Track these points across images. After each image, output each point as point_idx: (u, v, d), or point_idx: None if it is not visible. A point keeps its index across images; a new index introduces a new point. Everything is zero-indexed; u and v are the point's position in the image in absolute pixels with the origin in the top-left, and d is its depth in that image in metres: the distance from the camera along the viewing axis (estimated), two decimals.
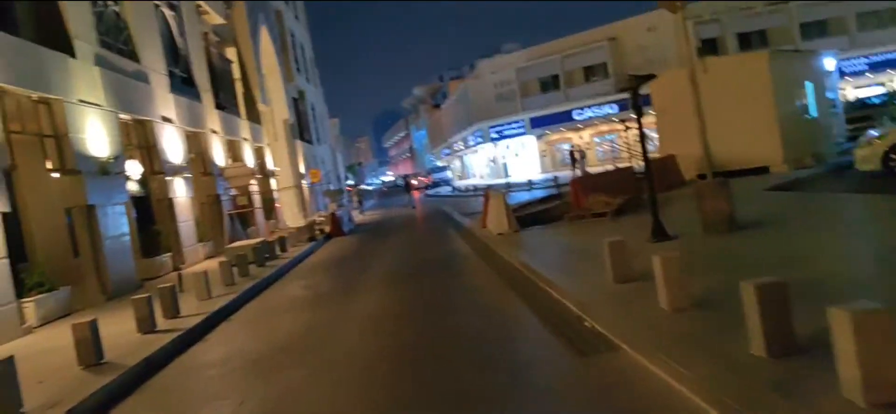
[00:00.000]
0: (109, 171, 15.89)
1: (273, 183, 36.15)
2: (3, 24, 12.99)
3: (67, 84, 15.02)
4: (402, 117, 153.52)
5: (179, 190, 21.20)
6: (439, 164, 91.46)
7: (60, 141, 14.65)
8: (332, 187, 57.42)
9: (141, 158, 19.72)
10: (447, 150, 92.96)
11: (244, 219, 28.39)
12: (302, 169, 46.20)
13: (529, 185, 41.87)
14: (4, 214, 11.75)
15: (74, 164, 14.73)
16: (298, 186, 40.58)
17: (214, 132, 26.53)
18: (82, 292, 14.88)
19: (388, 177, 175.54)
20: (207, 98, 26.55)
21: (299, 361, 8.16)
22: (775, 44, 49.94)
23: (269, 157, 37.06)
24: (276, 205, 36.47)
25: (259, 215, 31.58)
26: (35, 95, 14.03)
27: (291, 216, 38.79)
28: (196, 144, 24.88)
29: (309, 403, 6.61)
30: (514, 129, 60.86)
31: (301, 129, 51.80)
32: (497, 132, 62.28)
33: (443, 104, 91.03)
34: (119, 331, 10.56)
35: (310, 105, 58.67)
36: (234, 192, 28.07)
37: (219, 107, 28.05)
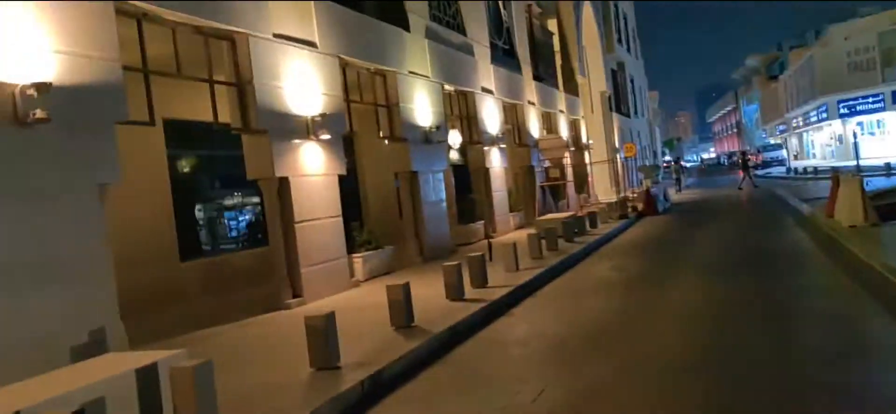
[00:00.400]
0: (432, 139, 16.72)
1: (586, 156, 35.73)
2: (349, 1, 14.20)
3: (401, 56, 16.06)
4: (729, 91, 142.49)
5: (495, 160, 21.77)
6: (772, 141, 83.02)
7: (391, 111, 15.75)
8: (647, 163, 55.41)
9: (461, 128, 20.57)
10: (782, 127, 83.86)
11: (556, 191, 28.43)
12: (617, 142, 45.14)
13: (888, 169, 35.64)
14: (341, 177, 12.86)
15: (402, 132, 15.74)
16: (612, 160, 39.65)
17: (531, 104, 26.82)
18: (402, 252, 15.93)
19: (710, 154, 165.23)
20: (526, 70, 26.90)
21: (607, 352, 7.45)
22: None
23: (584, 130, 36.68)
24: (589, 179, 36.04)
25: (570, 189, 31.43)
26: (373, 67, 15.20)
27: (603, 191, 38.08)
28: (513, 115, 25.37)
29: (618, 404, 5.87)
30: (869, 103, 52.38)
31: (618, 101, 50.62)
32: (847, 107, 54.17)
33: (780, 76, 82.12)
34: (429, 295, 10.88)
35: (628, 77, 57.07)
36: (547, 164, 28.22)
37: (537, 78, 28.30)
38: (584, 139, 36.26)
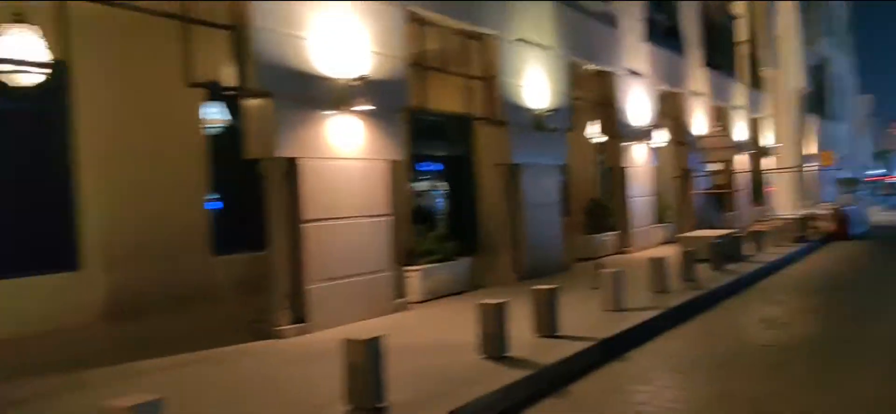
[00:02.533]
0: (545, 126, 13.25)
1: (767, 162, 30.09)
2: None
3: (506, 17, 12.73)
4: None
5: (638, 157, 17.77)
6: None
7: (490, 85, 12.49)
8: (849, 175, 47.32)
9: (596, 115, 16.86)
10: None
11: (721, 201, 23.62)
12: (812, 149, 38.40)
13: None
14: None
15: (502, 113, 12.44)
16: (800, 169, 33.42)
17: (697, 94, 22.24)
18: (490, 266, 12.70)
19: None
20: (694, 54, 22.33)
21: None
22: None
23: (768, 131, 30.95)
24: (768, 189, 30.37)
25: (743, 199, 26.27)
26: (461, 27, 12.04)
27: (786, 204, 32.09)
28: (671, 106, 21.02)
29: None
30: None
31: (818, 102, 43.33)
32: None
33: None
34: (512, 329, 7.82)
35: (833, 76, 49.05)
36: (712, 167, 23.48)
37: (709, 65, 23.57)
38: (768, 142, 30.56)
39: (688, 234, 15.90)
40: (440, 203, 17.59)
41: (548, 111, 13.30)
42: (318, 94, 8.68)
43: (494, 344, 6.77)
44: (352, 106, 8.94)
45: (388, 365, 5.48)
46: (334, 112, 8.89)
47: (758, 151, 29.62)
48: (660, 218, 19.18)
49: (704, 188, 21.84)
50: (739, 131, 26.30)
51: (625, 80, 17.36)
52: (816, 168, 37.15)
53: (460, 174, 16.88)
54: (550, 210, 13.85)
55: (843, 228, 20.62)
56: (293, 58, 8.40)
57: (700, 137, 19.96)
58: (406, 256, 10.75)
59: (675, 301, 9.92)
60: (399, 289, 10.20)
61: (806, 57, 39.64)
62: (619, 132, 16.93)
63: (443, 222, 13.40)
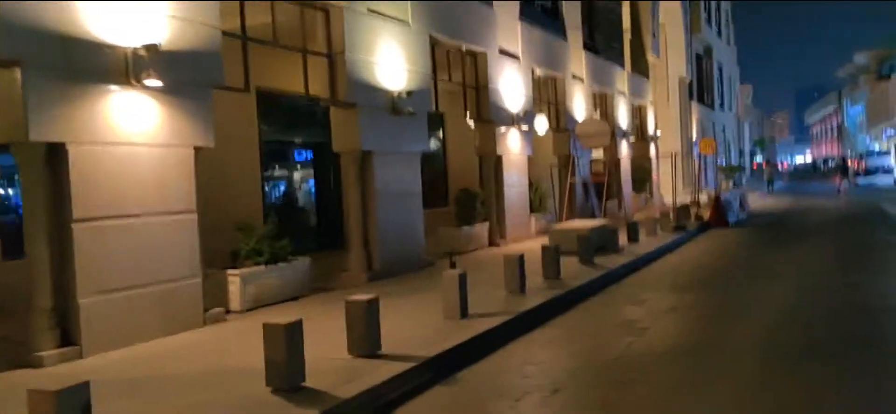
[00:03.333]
0: (401, 109, 12.00)
1: (652, 149, 30.14)
2: None
3: None
4: (832, 90, 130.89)
5: (512, 145, 16.82)
6: (877, 147, 73.85)
7: (334, 61, 11.10)
8: (732, 163, 48.82)
9: (467, 99, 15.78)
10: (891, 131, 74.64)
11: (603, 190, 23.19)
12: (694, 136, 39.10)
13: None
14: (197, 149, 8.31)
15: (349, 93, 11.08)
16: (684, 156, 33.78)
17: (577, 78, 21.63)
18: (339, 266, 11.40)
19: (805, 158, 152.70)
20: (575, 37, 21.69)
21: None
22: None
23: (651, 118, 31.02)
24: (654, 176, 30.44)
25: (626, 187, 26.05)
26: None
27: (672, 191, 32.37)
28: (549, 91, 20.31)
29: None
30: None
31: (701, 90, 44.33)
32: None
33: (894, 75, 72.90)
34: (327, 346, 6.48)
35: (716, 64, 50.44)
36: (595, 155, 23.04)
37: (590, 49, 23.04)
38: (650, 129, 30.60)
39: (559, 225, 15.10)
40: (310, 195, 16.27)
41: (405, 93, 12.05)
42: (91, 65, 7.05)
43: (283, 373, 5.44)
44: (140, 80, 7.36)
45: (138, 401, 4.07)
46: (116, 87, 7.29)
47: (641, 139, 29.59)
48: (537, 208, 18.37)
49: (584, 177, 21.29)
50: (622, 118, 26.04)
51: (498, 61, 16.35)
52: (698, 155, 37.77)
53: (325, 163, 15.54)
54: (409, 202, 12.62)
55: (720, 215, 20.52)
56: (55, 19, 6.73)
57: (577, 124, 19.27)
58: (231, 258, 9.29)
59: (529, 303, 8.91)
60: (218, 297, 8.72)
61: (690, 44, 40.31)
62: (492, 117, 15.91)
63: (302, 216, 11.99)
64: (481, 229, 15.64)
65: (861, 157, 65.56)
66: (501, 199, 16.26)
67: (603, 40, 25.12)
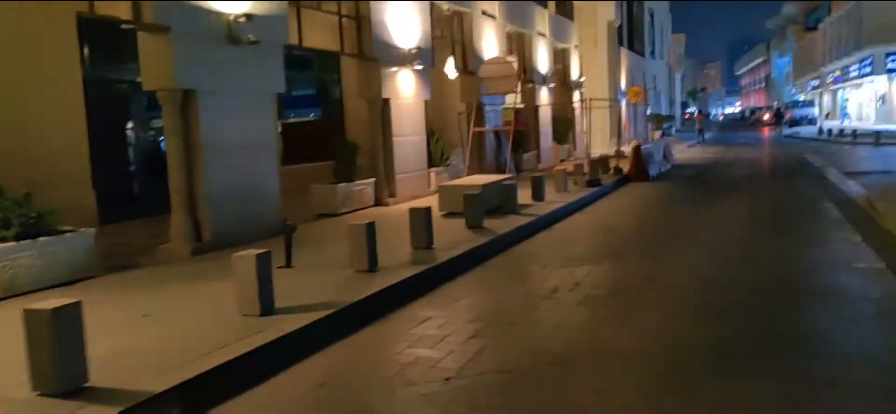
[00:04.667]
0: (239, 38, 9.53)
1: (576, 97, 28.26)
2: None
3: None
4: (762, 42, 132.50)
5: (405, 88, 14.53)
6: (801, 98, 74.38)
7: None
8: (660, 112, 47.68)
9: (351, 37, 13.38)
10: (815, 82, 75.25)
11: (520, 141, 21.20)
12: (623, 85, 37.52)
13: None
14: None
15: (161, 15, 8.54)
16: (612, 105, 32.10)
17: (488, 15, 19.37)
18: (162, 233, 9.05)
19: (734, 108, 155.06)
20: None
21: None
22: None
23: (576, 64, 29.07)
24: (578, 127, 28.62)
25: (546, 140, 24.16)
26: None
27: (601, 142, 30.73)
28: (455, 29, 18.04)
29: None
30: None
31: (632, 36, 42.71)
32: None
33: (820, 24, 73.09)
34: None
35: (648, 11, 48.89)
36: (510, 101, 20.96)
37: None
38: (574, 75, 28.69)
39: (450, 182, 12.96)
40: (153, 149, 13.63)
41: (244, 16, 9.56)
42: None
43: None
44: None
45: None
46: None
47: (564, 85, 27.67)
48: (438, 161, 16.20)
49: (498, 127, 19.19)
50: (542, 62, 23.98)
51: None
52: (623, 104, 36.25)
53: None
54: (258, 155, 10.22)
55: (641, 168, 18.78)
56: None
57: (482, 65, 17.04)
58: None
59: (372, 287, 6.74)
60: None
61: None
62: (376, 54, 13.55)
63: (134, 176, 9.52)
64: (366, 187, 13.38)
65: (787, 107, 65.72)
66: (389, 152, 13.99)
67: None
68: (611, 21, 35.66)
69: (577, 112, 28.85)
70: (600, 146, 28.46)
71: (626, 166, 19.34)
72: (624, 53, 39.23)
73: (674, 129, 51.41)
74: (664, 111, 51.16)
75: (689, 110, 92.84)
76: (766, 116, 67.87)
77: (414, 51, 14.55)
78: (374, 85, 13.58)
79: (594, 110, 30.36)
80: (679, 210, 13.36)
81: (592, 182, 16.17)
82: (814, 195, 14.44)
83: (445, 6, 16.98)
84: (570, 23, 28.77)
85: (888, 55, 46.32)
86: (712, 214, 12.45)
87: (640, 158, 18.83)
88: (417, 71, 14.75)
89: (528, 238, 10.46)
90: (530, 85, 23.02)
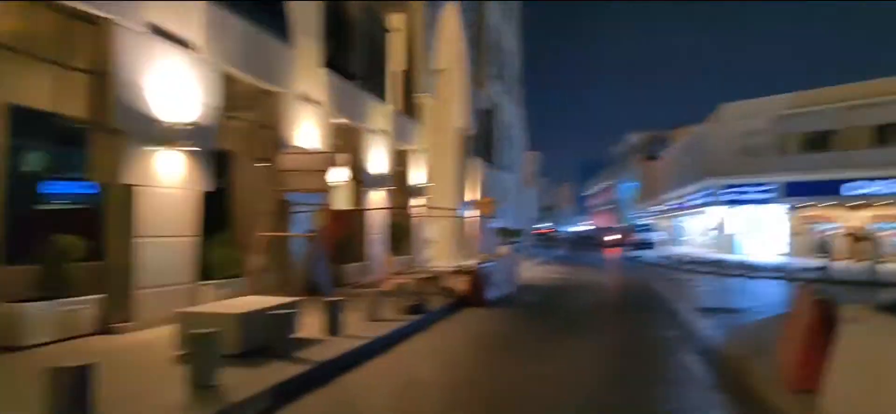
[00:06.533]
0: None
1: (418, 203, 25.54)
2: None
3: None
4: (610, 165, 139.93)
5: (166, 174, 10.93)
6: (643, 222, 77.10)
7: None
8: (511, 226, 46.27)
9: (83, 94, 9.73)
10: (657, 208, 78.48)
11: (344, 246, 17.93)
12: (473, 195, 35.58)
13: (781, 271, 27.71)
14: None
15: None
16: (459, 215, 29.76)
17: (311, 100, 16.32)
18: None
19: (583, 227, 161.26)
20: (309, 47, 16.47)
21: None
22: None
23: (421, 168, 26.54)
24: (418, 237, 25.81)
25: (378, 248, 21.04)
26: None
27: (445, 254, 28.09)
28: (267, 109, 14.82)
29: None
30: (758, 193, 45.99)
31: (486, 147, 41.39)
32: (732, 194, 47.68)
33: (662, 153, 76.99)
34: None
35: (504, 124, 48.26)
36: (338, 202, 17.75)
37: (337, 69, 17.94)
38: (417, 180, 26.09)
39: (197, 307, 9.31)
40: None
41: None
42: None
43: None
44: None
45: None
46: None
47: (404, 189, 24.93)
48: (216, 272, 12.49)
49: (307, 230, 15.81)
50: (376, 161, 21.13)
51: (137, 40, 10.48)
52: (476, 216, 34.21)
53: None
54: None
55: (479, 291, 15.98)
56: None
57: (281, 153, 13.73)
58: None
59: None
60: None
61: (475, 97, 37.20)
62: (120, 124, 9.94)
63: None
64: (83, 307, 9.45)
65: (632, 230, 67.43)
66: (126, 257, 10.19)
67: (359, 65, 20.22)
68: (463, 129, 33.97)
69: (419, 220, 26.15)
70: (444, 258, 25.80)
71: (463, 285, 16.46)
72: (476, 164, 37.58)
73: (524, 246, 50.28)
74: (515, 226, 49.98)
75: (540, 226, 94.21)
76: (613, 238, 69.24)
77: (186, 127, 11.06)
78: (111, 163, 9.88)
79: (439, 220, 27.85)
80: (507, 362, 10.28)
81: (415, 308, 13.01)
82: (670, 340, 12.08)
83: (244, 76, 13.73)
84: (417, 124, 26.40)
85: (724, 187, 48.01)
86: (549, 372, 9.56)
87: (478, 280, 16.03)
88: (188, 152, 11.22)
89: (282, 407, 6.99)
90: (361, 186, 20.04)
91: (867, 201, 39.98)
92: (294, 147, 13.90)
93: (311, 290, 15.00)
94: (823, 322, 6.73)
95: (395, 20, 25.74)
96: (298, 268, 13.85)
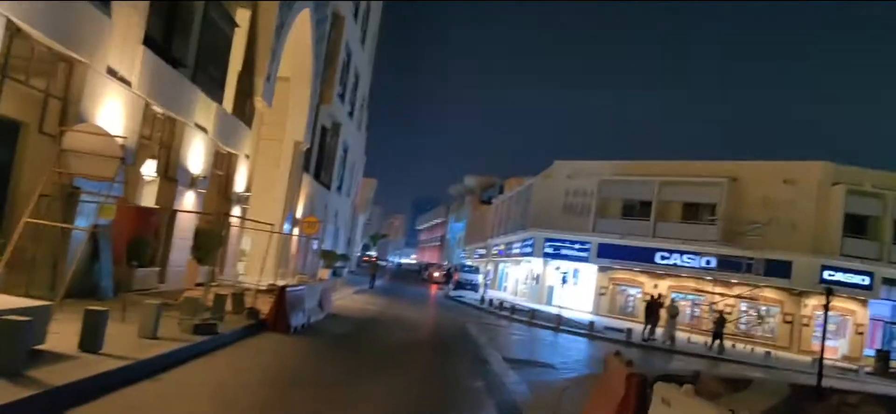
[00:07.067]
0: None
1: (236, 212, 23.76)
2: None
3: None
4: (443, 203, 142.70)
5: None
6: (468, 263, 78.68)
7: None
8: (336, 250, 45.03)
9: None
10: (482, 251, 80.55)
11: (139, 247, 15.96)
12: (299, 212, 34.09)
13: (589, 328, 28.89)
14: None
15: None
16: (279, 230, 28.19)
17: (119, 78, 14.42)
18: None
19: (410, 260, 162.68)
20: (129, 18, 14.63)
21: None
22: None
23: (243, 175, 24.80)
24: (229, 246, 23.98)
25: (180, 254, 19.13)
26: None
27: (260, 270, 26.36)
28: (59, 78, 12.82)
29: None
30: (575, 250, 48.26)
31: (320, 166, 39.99)
32: (553, 247, 49.70)
33: (495, 199, 79.29)
34: None
35: (343, 144, 47.11)
36: (144, 198, 15.81)
37: (159, 50, 16.11)
38: (239, 188, 24.33)
39: None
40: None
41: None
42: None
43: None
44: None
45: None
46: None
47: (223, 195, 23.11)
48: None
49: (99, 225, 13.78)
50: (194, 159, 19.31)
51: None
52: (299, 234, 32.72)
53: None
54: None
55: (282, 315, 14.73)
56: None
57: (67, 131, 11.80)
58: None
59: None
60: None
61: (318, 114, 35.86)
62: None
63: None
64: None
65: (457, 269, 68.45)
66: None
67: (190, 53, 18.43)
68: (299, 142, 32.52)
69: (236, 231, 24.37)
70: (258, 275, 24.21)
71: (263, 309, 15.13)
72: (308, 180, 36.15)
73: (347, 271, 49.18)
74: (341, 250, 48.80)
75: (368, 254, 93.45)
76: (437, 274, 69.82)
77: None
78: None
79: (260, 233, 26.13)
80: (290, 405, 9.19)
81: (204, 328, 11.56)
82: (476, 392, 11.61)
83: (46, 41, 11.77)
84: (247, 129, 24.70)
85: (547, 240, 49.90)
86: (350, 399, 8.62)
87: (282, 303, 14.78)
88: None
89: None
90: (175, 185, 18.15)
91: (670, 271, 43.01)
92: (87, 126, 12.01)
93: (88, 292, 13.07)
94: (637, 400, 6.41)
95: (241, 16, 24.09)
96: (74, 266, 11.93)
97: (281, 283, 20.63)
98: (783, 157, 44.24)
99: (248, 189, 24.99)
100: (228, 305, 14.65)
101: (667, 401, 6.27)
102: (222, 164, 22.93)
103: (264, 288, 20.71)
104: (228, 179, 23.49)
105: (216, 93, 20.81)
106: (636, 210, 46.35)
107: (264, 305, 15.72)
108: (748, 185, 41.70)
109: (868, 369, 31.15)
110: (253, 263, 26.37)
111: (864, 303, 37.66)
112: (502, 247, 66.85)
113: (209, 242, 20.54)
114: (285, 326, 14.56)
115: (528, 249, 53.14)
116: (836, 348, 37.18)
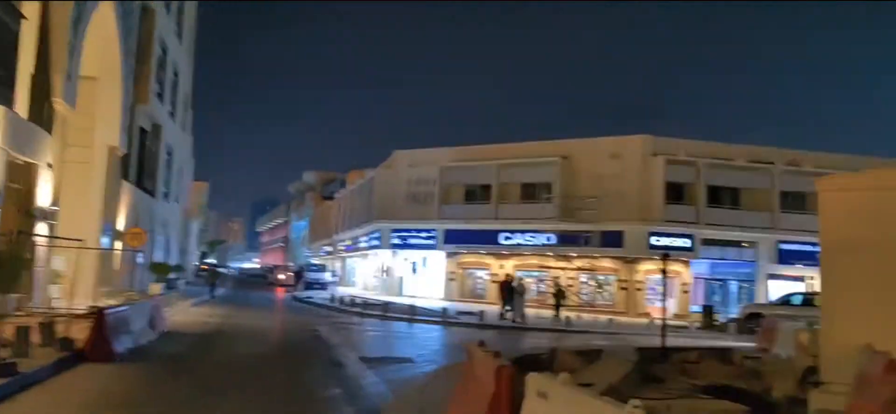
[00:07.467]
0: None
1: (42, 230, 20.84)
2: None
3: None
4: (283, 203, 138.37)
5: None
6: (315, 262, 76.60)
7: None
8: (169, 261, 41.63)
9: None
10: (328, 248, 78.82)
11: None
12: (121, 224, 30.95)
13: (442, 316, 28.67)
14: None
15: None
16: (98, 246, 25.29)
17: None
18: None
19: (253, 264, 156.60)
20: None
21: None
22: (748, 207, 41.18)
23: (47, 187, 21.83)
24: (38, 269, 21.02)
25: None
26: None
27: (79, 292, 23.38)
28: None
29: None
30: (422, 238, 48.22)
31: (140, 172, 36.60)
32: (400, 238, 49.38)
33: (337, 194, 77.64)
34: None
35: (166, 148, 43.57)
36: None
37: None
38: (43, 202, 21.36)
39: None
40: None
41: None
42: None
43: None
44: None
45: None
46: None
47: (23, 211, 20.15)
48: None
49: None
50: None
51: None
52: (122, 248, 29.71)
53: None
54: None
55: (103, 342, 12.82)
56: None
57: None
58: None
59: None
60: None
61: (133, 115, 32.66)
62: None
63: None
64: None
65: (303, 269, 66.24)
66: None
67: None
68: (114, 148, 29.36)
69: (43, 250, 21.40)
70: (78, 298, 21.37)
71: (79, 336, 13.13)
72: (128, 189, 32.92)
73: (183, 282, 45.83)
74: (175, 260, 45.32)
75: (205, 262, 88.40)
76: (283, 276, 67.11)
77: None
78: None
79: (76, 251, 23.17)
80: None
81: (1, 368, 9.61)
82: (333, 400, 10.59)
83: None
84: (47, 135, 21.73)
85: (393, 231, 49.40)
86: None
87: (101, 328, 12.87)
88: None
89: None
90: None
91: (514, 251, 43.95)
92: None
93: None
94: (509, 394, 5.73)
95: (29, 9, 21.08)
96: None
97: (102, 304, 18.29)
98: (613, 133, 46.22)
99: (54, 202, 22.05)
100: (36, 337, 12.55)
101: (543, 394, 5.68)
102: (19, 177, 19.97)
103: (83, 312, 18.27)
104: (29, 193, 20.51)
105: (4, 94, 18.01)
106: (478, 194, 46.88)
107: (82, 333, 13.66)
108: (580, 162, 43.30)
109: (697, 325, 33.42)
110: (69, 286, 23.39)
111: (686, 263, 40.46)
112: (349, 242, 65.58)
113: (13, 266, 17.71)
114: (107, 354, 12.68)
115: (376, 242, 52.39)
116: (666, 308, 39.74)
